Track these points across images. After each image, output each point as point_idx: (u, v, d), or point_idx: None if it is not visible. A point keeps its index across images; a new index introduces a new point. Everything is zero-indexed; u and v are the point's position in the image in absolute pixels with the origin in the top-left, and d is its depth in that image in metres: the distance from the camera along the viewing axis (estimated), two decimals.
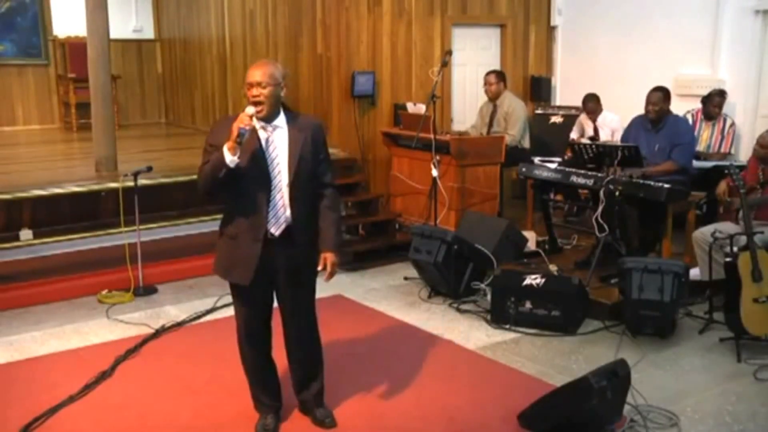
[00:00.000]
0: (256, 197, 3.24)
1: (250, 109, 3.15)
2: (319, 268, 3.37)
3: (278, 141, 3.27)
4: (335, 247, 3.39)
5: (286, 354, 3.61)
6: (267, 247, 3.27)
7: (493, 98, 7.02)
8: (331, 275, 3.37)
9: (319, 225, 3.40)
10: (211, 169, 3.17)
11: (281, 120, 3.29)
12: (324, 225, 3.40)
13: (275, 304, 3.50)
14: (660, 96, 5.72)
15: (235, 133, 3.08)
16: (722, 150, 6.62)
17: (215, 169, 3.15)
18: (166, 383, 4.11)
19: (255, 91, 3.17)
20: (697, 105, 6.78)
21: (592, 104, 7.17)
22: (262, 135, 3.26)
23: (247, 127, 3.10)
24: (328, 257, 3.36)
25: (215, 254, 3.44)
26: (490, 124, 7.05)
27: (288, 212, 3.29)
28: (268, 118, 3.25)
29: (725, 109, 6.75)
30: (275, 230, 3.28)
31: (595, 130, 7.19)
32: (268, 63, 3.27)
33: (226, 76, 9.06)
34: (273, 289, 3.43)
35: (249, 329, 3.45)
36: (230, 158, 3.10)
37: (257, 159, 3.22)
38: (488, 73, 7.10)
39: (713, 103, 6.61)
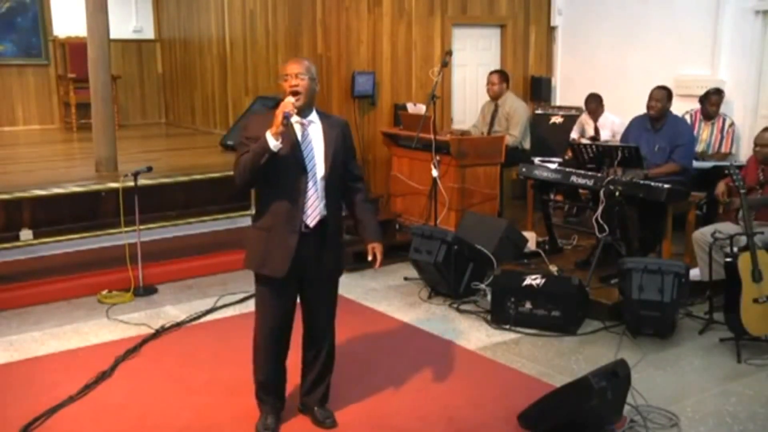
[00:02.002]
0: (293, 189, 3.30)
1: (291, 98, 3.23)
2: (369, 258, 3.51)
3: (313, 135, 3.36)
4: (380, 236, 3.56)
5: (302, 351, 3.62)
6: (300, 240, 3.32)
7: (495, 98, 7.01)
8: (381, 264, 3.52)
9: (358, 217, 3.56)
10: (251, 157, 3.22)
11: (314, 116, 3.39)
12: (365, 217, 3.55)
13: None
14: (663, 94, 5.73)
15: (280, 117, 3.14)
16: (723, 150, 6.62)
17: (257, 156, 3.20)
18: (166, 383, 4.11)
19: (293, 81, 3.26)
20: (696, 105, 6.78)
21: (594, 104, 7.19)
22: (298, 128, 3.33)
23: (292, 112, 3.18)
24: (375, 247, 3.52)
25: (246, 248, 3.46)
26: (491, 124, 7.05)
27: (322, 204, 3.35)
28: (304, 113, 3.33)
29: (724, 109, 6.76)
30: (310, 222, 3.33)
31: (596, 130, 7.21)
32: (304, 59, 3.40)
33: (226, 76, 9.06)
34: (299, 285, 3.45)
35: (273, 325, 3.45)
36: (274, 143, 3.16)
37: (294, 151, 3.30)
38: (492, 73, 7.10)
39: (711, 101, 6.61)
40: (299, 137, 3.33)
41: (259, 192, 3.43)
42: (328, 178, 3.36)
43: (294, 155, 3.29)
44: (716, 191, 5.24)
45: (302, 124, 3.34)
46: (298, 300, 3.53)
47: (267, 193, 3.37)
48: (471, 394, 3.97)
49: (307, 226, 3.33)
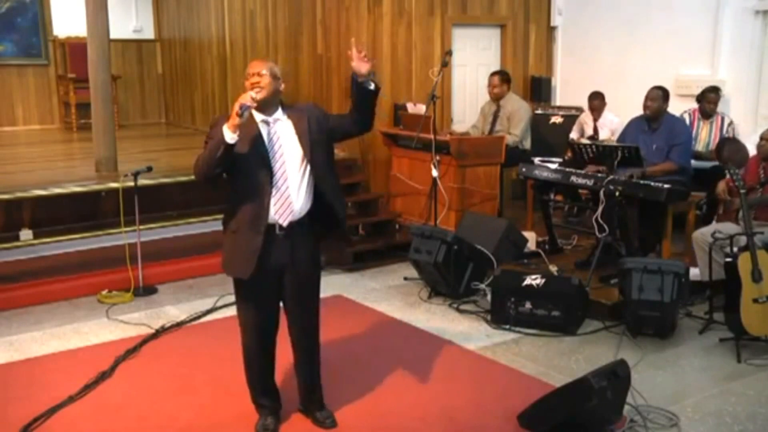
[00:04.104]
0: (257, 190, 3.25)
1: (252, 93, 3.18)
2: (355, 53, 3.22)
3: (282, 132, 3.31)
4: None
5: (293, 355, 3.60)
6: (272, 242, 3.28)
7: (496, 100, 7.02)
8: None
9: (354, 100, 3.33)
10: (209, 149, 3.19)
11: (280, 113, 3.34)
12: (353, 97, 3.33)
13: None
14: (659, 94, 5.73)
15: (236, 109, 3.10)
16: None
17: (212, 149, 3.16)
18: (165, 383, 4.11)
19: (254, 78, 3.22)
20: (695, 105, 6.78)
21: (597, 101, 7.20)
22: (263, 128, 3.29)
23: (249, 104, 3.13)
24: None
25: (222, 250, 3.43)
26: (493, 123, 7.06)
27: (298, 203, 3.30)
28: (269, 112, 3.29)
29: (724, 108, 6.75)
30: (283, 221, 3.28)
31: (595, 129, 7.21)
32: (267, 59, 3.36)
33: (226, 76, 9.06)
34: (279, 287, 3.41)
35: (253, 327, 3.43)
36: (230, 135, 3.11)
37: (259, 152, 3.25)
38: (493, 74, 7.09)
39: (708, 100, 6.60)
40: (265, 137, 3.27)
41: (226, 193, 3.37)
42: (306, 174, 3.30)
43: (259, 155, 3.24)
44: (717, 190, 5.24)
45: (268, 124, 3.29)
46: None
47: (233, 193, 3.33)
48: (471, 395, 3.97)
49: (281, 227, 3.29)
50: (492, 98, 7.06)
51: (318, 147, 3.33)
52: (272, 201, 3.25)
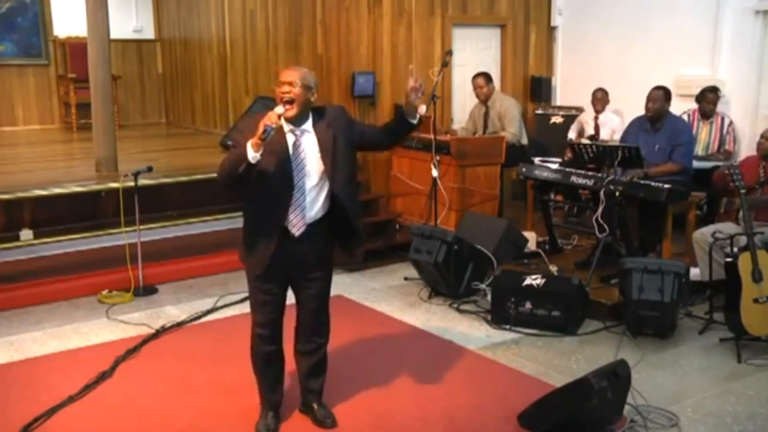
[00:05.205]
0: (275, 201, 3.26)
1: (280, 109, 3.16)
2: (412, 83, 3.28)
3: (307, 145, 3.29)
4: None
5: (293, 346, 3.61)
6: (285, 243, 3.30)
7: (484, 101, 7.02)
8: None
9: (391, 127, 3.47)
10: (231, 162, 3.19)
11: (309, 124, 3.31)
12: (391, 122, 3.49)
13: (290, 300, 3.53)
14: (660, 94, 5.72)
15: (260, 129, 3.07)
16: (727, 149, 6.60)
17: (235, 163, 3.15)
18: (166, 383, 4.11)
19: (286, 88, 3.20)
20: (694, 105, 6.78)
21: (600, 93, 7.21)
22: (290, 138, 3.27)
23: (274, 125, 3.09)
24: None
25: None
26: (485, 125, 7.06)
27: (313, 212, 3.31)
28: (297, 122, 3.27)
29: (724, 109, 6.75)
30: (296, 231, 3.30)
31: (596, 128, 7.21)
32: (302, 68, 3.34)
33: (226, 76, 9.06)
34: (289, 284, 3.45)
35: (261, 319, 3.46)
36: (252, 154, 3.09)
37: (282, 162, 3.24)
38: (476, 77, 7.03)
39: (707, 100, 6.60)
40: (290, 148, 3.26)
41: (245, 196, 3.39)
42: (324, 189, 3.31)
43: (282, 167, 3.23)
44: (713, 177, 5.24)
45: (295, 135, 3.28)
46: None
47: (252, 198, 3.34)
48: (471, 395, 3.97)
49: (293, 235, 3.30)
50: (480, 101, 7.06)
51: (340, 163, 3.32)
52: (290, 212, 3.27)
